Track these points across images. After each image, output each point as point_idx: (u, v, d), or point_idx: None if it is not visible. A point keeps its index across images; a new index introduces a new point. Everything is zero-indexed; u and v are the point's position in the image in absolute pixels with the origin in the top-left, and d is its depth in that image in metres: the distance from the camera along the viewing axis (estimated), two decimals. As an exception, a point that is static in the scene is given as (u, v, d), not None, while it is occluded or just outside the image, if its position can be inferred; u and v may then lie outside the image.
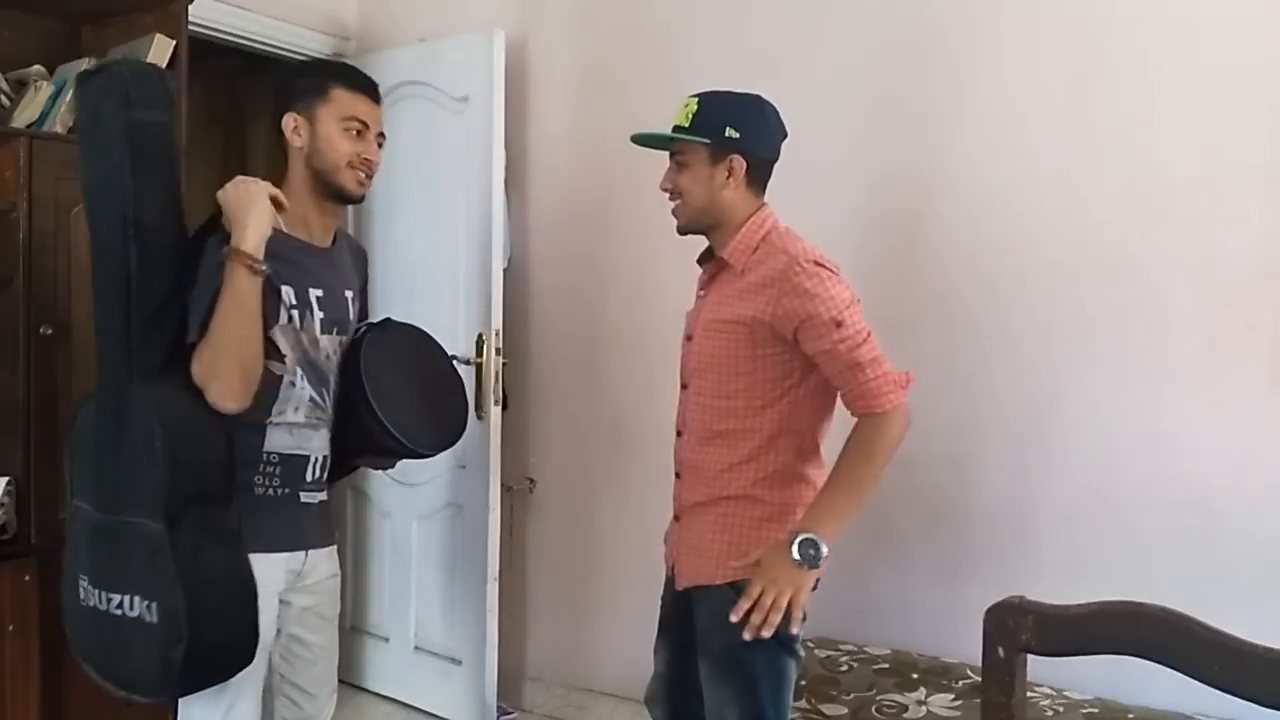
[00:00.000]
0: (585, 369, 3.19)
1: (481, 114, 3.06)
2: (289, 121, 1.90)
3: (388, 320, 2.10)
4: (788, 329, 1.78)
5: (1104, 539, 2.39)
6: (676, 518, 1.98)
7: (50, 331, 2.38)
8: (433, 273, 3.21)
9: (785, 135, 1.94)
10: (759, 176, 1.90)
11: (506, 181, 3.13)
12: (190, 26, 2.70)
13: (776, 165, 1.96)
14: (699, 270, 2.03)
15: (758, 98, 1.92)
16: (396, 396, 1.96)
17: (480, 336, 3.05)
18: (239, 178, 1.80)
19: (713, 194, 1.87)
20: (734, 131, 1.84)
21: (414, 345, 2.18)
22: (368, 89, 1.95)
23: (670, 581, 2.00)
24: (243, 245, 1.71)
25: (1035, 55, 2.48)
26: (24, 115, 2.46)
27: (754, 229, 1.88)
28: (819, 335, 1.75)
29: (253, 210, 1.74)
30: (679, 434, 1.97)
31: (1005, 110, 2.52)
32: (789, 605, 1.71)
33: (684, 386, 1.96)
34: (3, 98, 2.51)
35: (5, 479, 2.33)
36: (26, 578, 2.34)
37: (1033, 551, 2.46)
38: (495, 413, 3.05)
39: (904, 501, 2.65)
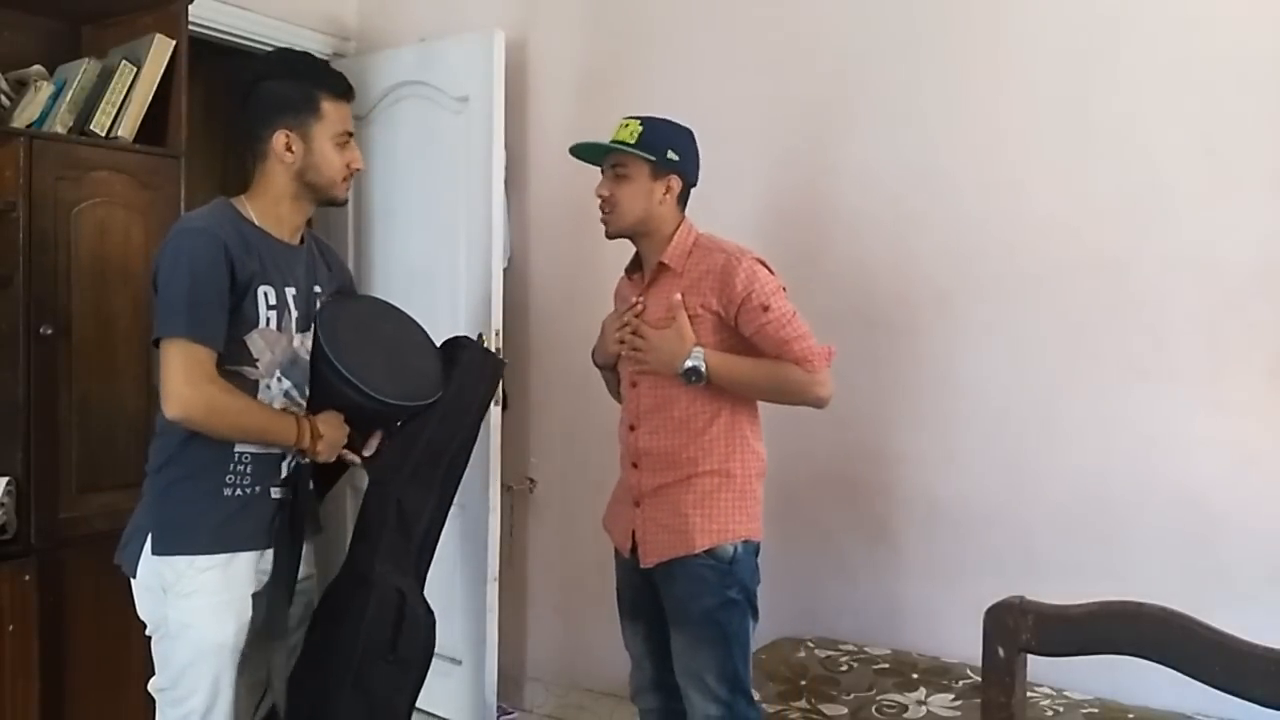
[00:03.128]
0: (585, 369, 3.17)
1: (481, 114, 3.06)
2: (280, 139, 1.88)
3: (351, 291, 2.18)
4: (730, 314, 1.99)
5: (1103, 539, 2.39)
6: (636, 504, 2.10)
7: (50, 331, 2.38)
8: (433, 273, 3.21)
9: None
10: (685, 195, 2.11)
11: (506, 181, 3.13)
12: (190, 26, 2.71)
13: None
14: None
15: (690, 130, 2.11)
16: (356, 350, 1.98)
17: (480, 336, 3.05)
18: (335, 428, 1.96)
19: (650, 207, 2.06)
20: (674, 154, 2.05)
21: (375, 311, 2.21)
22: (349, 93, 1.97)
23: (630, 566, 2.12)
24: (318, 450, 1.91)
25: (1034, 54, 2.48)
26: (24, 115, 2.46)
27: (684, 237, 2.09)
28: (752, 319, 1.97)
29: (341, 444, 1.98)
30: (631, 429, 2.12)
31: (1003, 109, 2.51)
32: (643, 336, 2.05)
33: (633, 385, 2.12)
34: (3, 98, 2.52)
35: (5, 479, 2.33)
36: (26, 578, 2.34)
37: (1032, 551, 2.46)
38: (495, 413, 3.05)
39: (904, 501, 2.65)
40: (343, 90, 1.94)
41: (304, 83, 1.90)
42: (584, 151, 2.13)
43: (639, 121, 2.06)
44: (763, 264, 2.02)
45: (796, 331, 1.96)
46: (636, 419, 2.11)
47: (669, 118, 2.09)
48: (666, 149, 2.04)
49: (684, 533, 2.00)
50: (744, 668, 2.01)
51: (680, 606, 2.01)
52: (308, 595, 2.06)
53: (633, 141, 2.03)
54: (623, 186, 2.06)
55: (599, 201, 2.10)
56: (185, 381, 1.74)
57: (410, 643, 2.10)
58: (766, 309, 1.95)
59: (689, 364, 1.95)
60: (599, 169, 2.12)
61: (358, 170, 1.97)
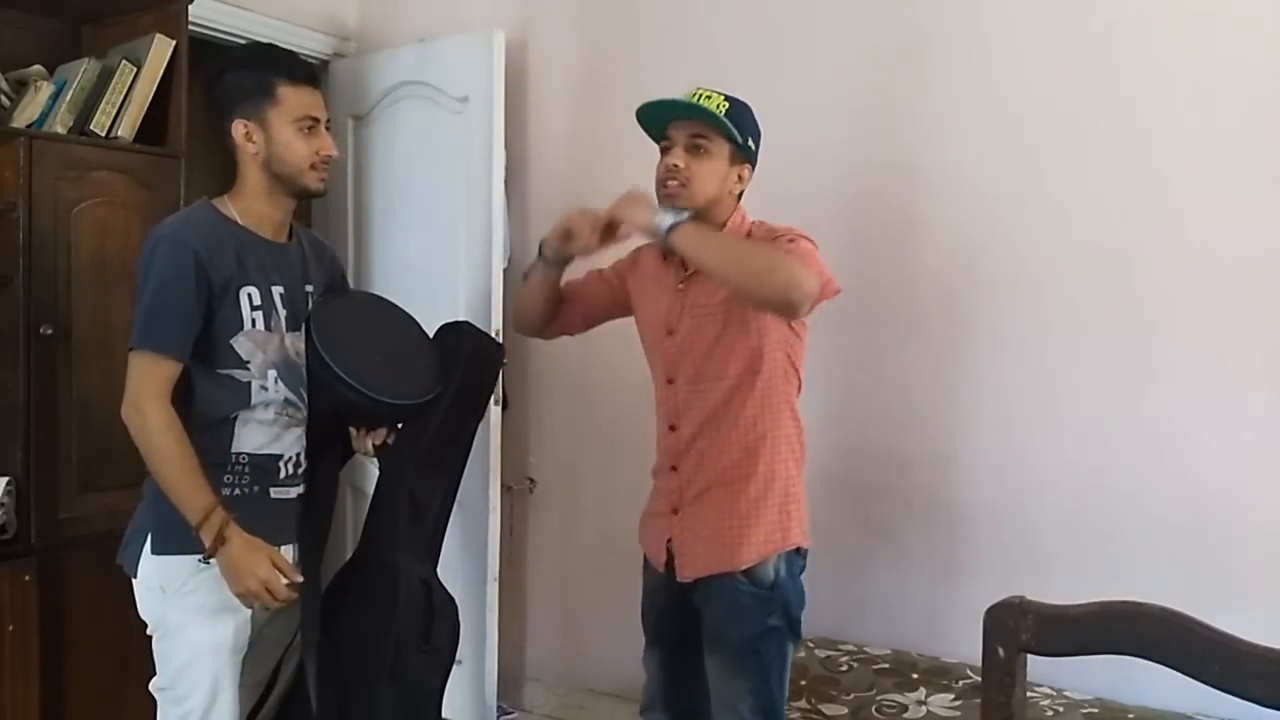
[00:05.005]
0: (585, 369, 3.19)
1: (481, 114, 3.05)
2: (239, 129, 1.87)
3: (345, 288, 2.17)
4: None
5: (1104, 539, 2.39)
6: (674, 511, 1.95)
7: (50, 331, 2.38)
8: (433, 273, 3.21)
9: None
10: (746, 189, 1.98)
11: (506, 182, 3.13)
12: (190, 26, 2.70)
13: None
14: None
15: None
16: (351, 350, 1.96)
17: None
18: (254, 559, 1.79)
19: (722, 191, 1.91)
20: (753, 144, 1.92)
21: (368, 307, 2.21)
22: (310, 79, 1.93)
23: (659, 583, 1.99)
24: (216, 558, 1.76)
25: (1035, 54, 2.48)
26: (24, 115, 2.46)
27: (736, 225, 1.95)
28: (774, 242, 1.84)
29: (249, 579, 1.77)
30: (672, 429, 1.96)
31: (1005, 109, 2.51)
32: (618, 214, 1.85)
33: (669, 381, 1.96)
34: (3, 98, 2.51)
35: (5, 479, 2.33)
36: (26, 578, 2.34)
37: (1032, 551, 2.46)
38: (495, 413, 3.05)
39: (904, 501, 2.65)
40: (300, 75, 1.90)
41: (258, 71, 1.88)
42: (659, 112, 1.90)
43: (724, 97, 1.88)
44: (810, 240, 1.88)
45: (805, 250, 1.81)
46: (677, 417, 1.94)
47: (737, 94, 1.93)
48: (749, 135, 1.90)
49: (727, 545, 1.86)
50: (780, 694, 1.89)
51: (717, 633, 1.89)
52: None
53: (722, 115, 1.86)
54: (702, 162, 1.87)
55: (663, 171, 1.89)
56: (136, 394, 1.76)
57: (440, 631, 2.13)
58: (791, 241, 1.82)
59: (662, 217, 1.79)
60: (658, 147, 1.95)
61: (329, 157, 1.92)
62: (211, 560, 1.76)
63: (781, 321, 1.87)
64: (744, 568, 1.86)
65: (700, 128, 1.87)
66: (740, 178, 1.92)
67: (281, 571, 1.79)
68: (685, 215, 1.79)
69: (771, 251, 1.80)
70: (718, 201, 1.91)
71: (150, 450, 1.77)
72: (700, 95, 1.88)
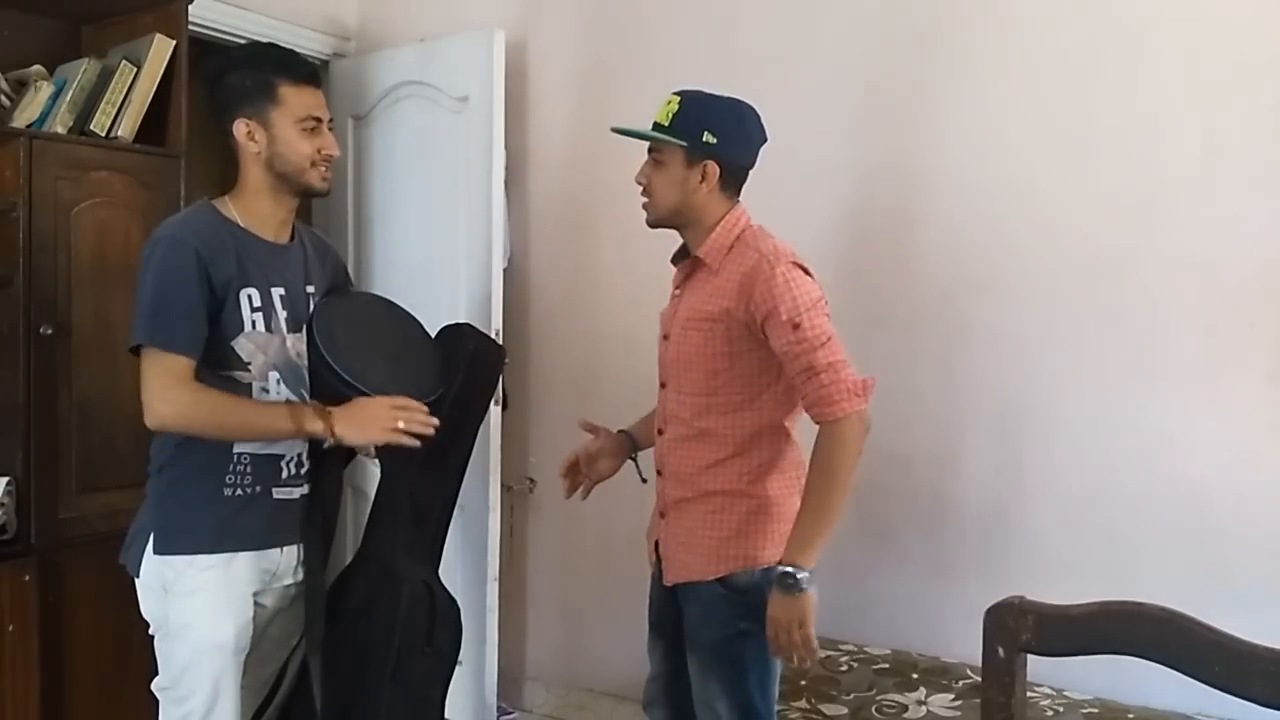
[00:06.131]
0: (585, 369, 3.19)
1: (481, 114, 3.06)
2: (241, 128, 1.87)
3: (348, 288, 2.17)
4: (756, 324, 1.80)
5: (1103, 539, 2.39)
6: (661, 515, 1.98)
7: (50, 331, 2.38)
8: (433, 273, 3.21)
9: (764, 140, 1.94)
10: (733, 181, 1.91)
11: (506, 181, 3.13)
12: (190, 26, 2.71)
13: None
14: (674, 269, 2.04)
15: (738, 103, 1.90)
16: (353, 351, 1.97)
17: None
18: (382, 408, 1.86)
19: (685, 196, 1.88)
20: (711, 137, 1.85)
21: (371, 308, 2.21)
22: (311, 78, 1.94)
23: (658, 579, 2.01)
24: (335, 430, 1.82)
25: (1034, 54, 2.48)
26: (24, 115, 2.46)
27: (728, 228, 1.90)
28: (779, 335, 1.77)
29: (383, 425, 1.85)
30: (660, 432, 1.98)
31: (1004, 110, 2.51)
32: (803, 631, 1.73)
33: (662, 385, 1.98)
34: (3, 98, 2.51)
35: (5, 479, 2.33)
36: (26, 578, 2.34)
37: (1032, 551, 2.46)
38: (495, 413, 3.05)
39: (904, 502, 2.65)
40: (302, 75, 1.91)
41: (260, 71, 1.88)
42: (626, 134, 1.94)
43: (679, 99, 1.87)
44: (802, 269, 1.82)
45: (827, 358, 1.74)
46: (664, 422, 1.96)
47: (715, 92, 1.90)
48: (702, 131, 1.83)
49: (697, 556, 1.88)
50: (761, 698, 1.86)
51: (693, 632, 1.90)
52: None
53: (667, 123, 1.86)
54: (658, 173, 1.88)
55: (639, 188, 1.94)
56: (158, 390, 1.75)
57: (442, 633, 2.14)
58: (797, 327, 1.74)
59: (781, 592, 1.72)
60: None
61: (331, 156, 1.93)
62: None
63: (775, 378, 1.85)
64: (714, 578, 1.86)
65: (654, 140, 1.89)
66: (705, 175, 1.86)
67: (403, 406, 1.86)
68: (782, 569, 1.73)
69: (842, 460, 1.76)
70: (688, 206, 1.89)
71: (201, 423, 1.77)
72: (664, 103, 1.88)
